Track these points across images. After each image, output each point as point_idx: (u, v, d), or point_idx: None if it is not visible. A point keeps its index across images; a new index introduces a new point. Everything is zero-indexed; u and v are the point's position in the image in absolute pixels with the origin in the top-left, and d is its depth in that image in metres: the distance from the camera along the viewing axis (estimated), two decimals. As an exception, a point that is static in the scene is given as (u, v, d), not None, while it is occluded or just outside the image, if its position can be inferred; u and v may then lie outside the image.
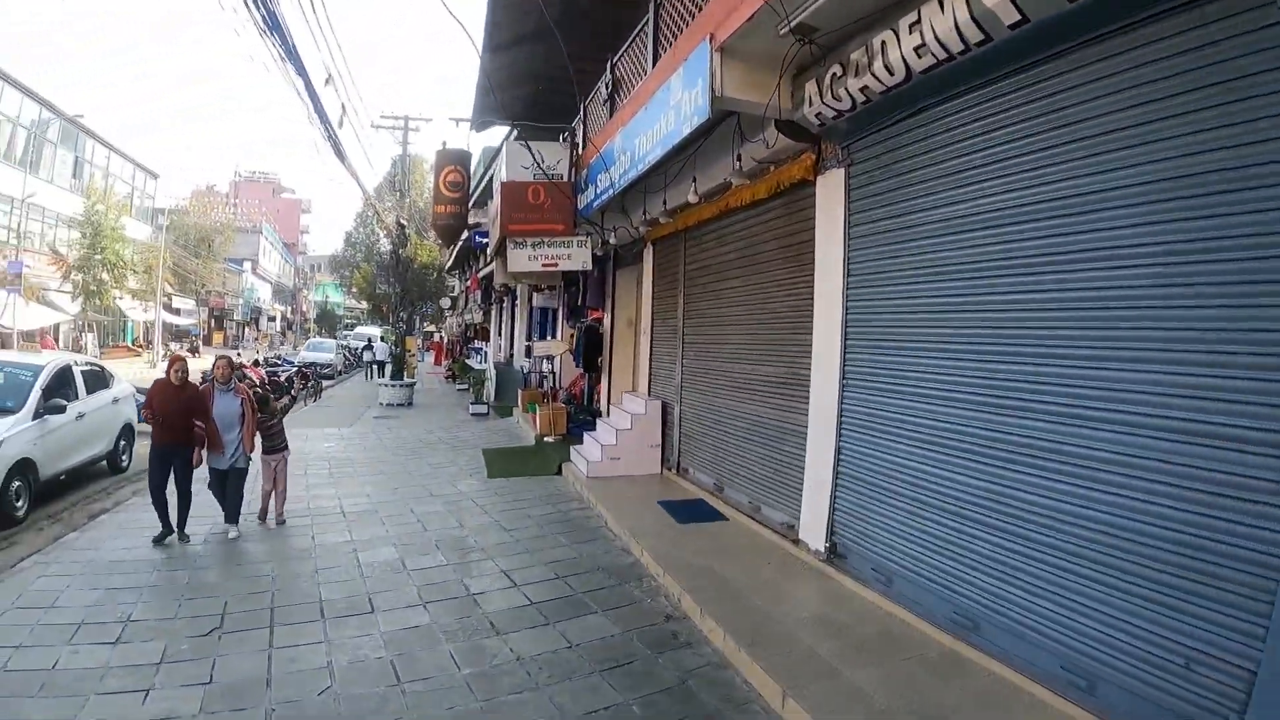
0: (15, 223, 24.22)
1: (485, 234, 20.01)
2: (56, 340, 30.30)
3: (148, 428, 6.67)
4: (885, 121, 5.20)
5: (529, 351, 16.76)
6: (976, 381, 4.40)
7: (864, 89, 4.79)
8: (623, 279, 11.95)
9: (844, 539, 5.63)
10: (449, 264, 30.77)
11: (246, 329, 56.36)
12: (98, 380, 9.83)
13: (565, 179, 9.84)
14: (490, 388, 17.47)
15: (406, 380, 18.36)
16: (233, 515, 6.89)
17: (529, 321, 20.12)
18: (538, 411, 11.94)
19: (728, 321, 7.81)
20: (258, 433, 7.02)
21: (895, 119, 5.09)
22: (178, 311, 42.88)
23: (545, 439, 11.34)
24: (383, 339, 27.56)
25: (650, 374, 9.87)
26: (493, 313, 24.15)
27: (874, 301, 5.40)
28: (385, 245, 48.30)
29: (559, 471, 9.70)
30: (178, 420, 6.45)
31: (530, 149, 9.69)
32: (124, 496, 8.56)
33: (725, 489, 7.77)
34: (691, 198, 6.81)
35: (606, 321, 12.08)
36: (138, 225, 34.87)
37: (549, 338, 15.86)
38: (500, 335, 22.49)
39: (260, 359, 21.76)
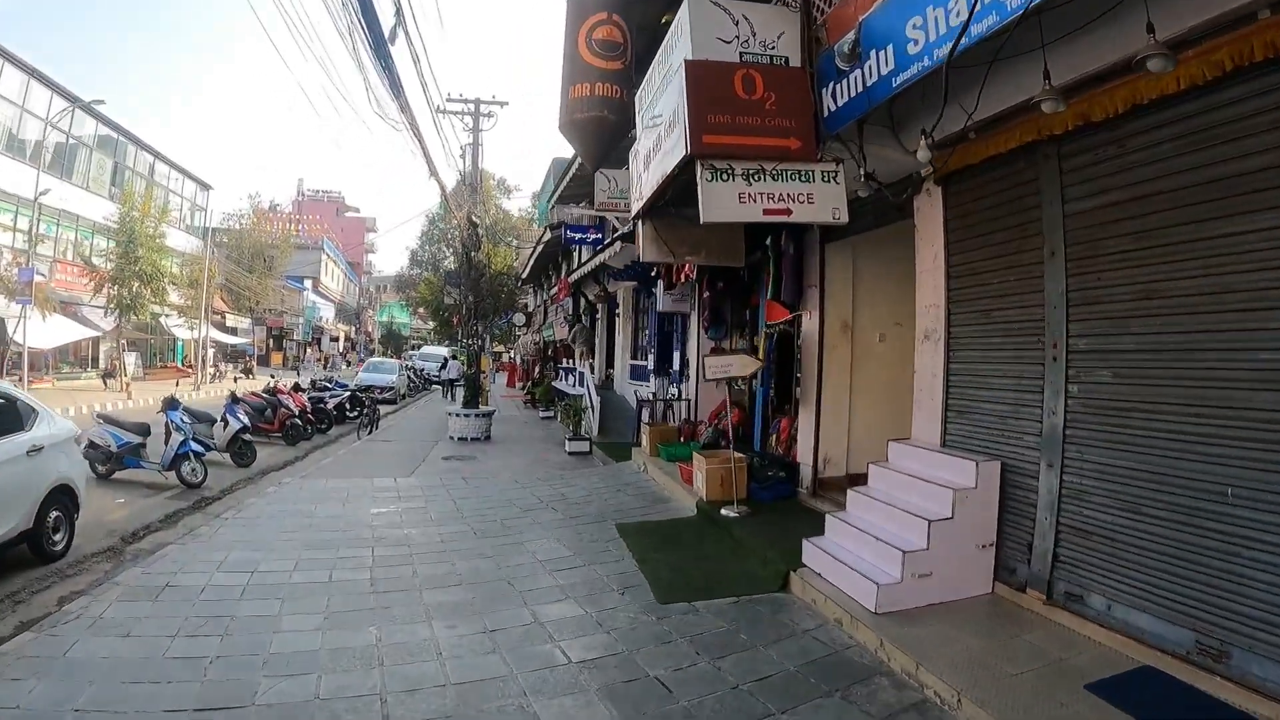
0: (29, 225, 21.16)
1: (581, 229, 16.12)
2: (95, 360, 27.48)
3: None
4: None
5: (666, 371, 12.52)
6: None
7: None
8: (836, 258, 7.61)
9: None
10: (525, 274, 27.03)
11: (308, 349, 53.84)
12: (5, 418, 5.97)
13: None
14: (592, 420, 13.28)
15: (483, 409, 14.30)
16: None
17: (634, 334, 15.96)
18: (704, 465, 7.57)
19: (1248, 301, 3.43)
20: None
21: None
22: (234, 330, 40.27)
23: (724, 512, 6.96)
24: (454, 357, 23.85)
25: (945, 410, 5.44)
26: (579, 326, 20.08)
27: None
28: (451, 263, 45.20)
29: (784, 586, 5.31)
30: None
31: (729, 10, 5.47)
32: (48, 605, 4.83)
33: (1233, 656, 3.34)
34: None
35: (808, 325, 7.73)
36: (184, 237, 32.11)
37: (681, 352, 11.60)
38: (594, 352, 18.38)
39: (302, 382, 18.09)
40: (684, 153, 5.03)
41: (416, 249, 54.68)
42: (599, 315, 18.24)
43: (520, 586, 5.38)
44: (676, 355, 11.68)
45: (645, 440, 10.32)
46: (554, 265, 26.70)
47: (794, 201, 5.18)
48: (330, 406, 15.44)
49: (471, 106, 20.23)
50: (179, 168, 34.27)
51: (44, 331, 20.23)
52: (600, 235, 16.03)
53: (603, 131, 7.56)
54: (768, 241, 7.69)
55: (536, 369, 25.38)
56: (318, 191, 76.10)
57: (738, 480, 7.28)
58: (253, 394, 13.97)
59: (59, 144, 25.06)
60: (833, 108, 5.17)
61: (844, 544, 5.16)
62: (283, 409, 13.12)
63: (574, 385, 15.53)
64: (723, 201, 5.01)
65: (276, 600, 5.00)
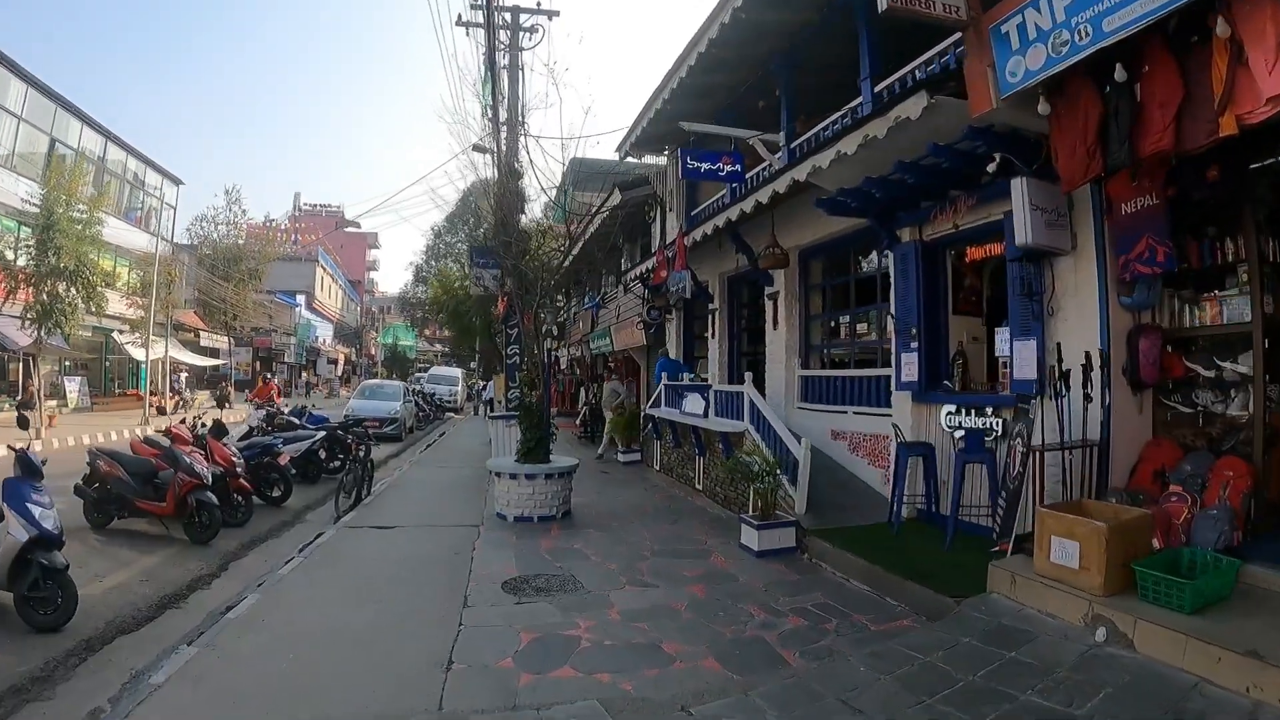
0: None
1: (710, 157, 9.98)
2: (25, 388, 21.14)
3: None
4: None
5: (942, 385, 6.14)
6: None
7: None
8: None
9: None
10: (571, 254, 20.25)
11: (304, 372, 47.51)
12: None
13: None
14: (790, 489, 6.85)
15: (558, 465, 7.89)
16: None
17: (803, 326, 9.54)
18: None
19: None
20: None
21: None
22: (214, 351, 33.99)
23: None
24: (498, 372, 17.60)
25: None
26: (671, 326, 13.66)
27: None
28: (457, 270, 38.89)
29: None
30: None
31: None
32: None
33: None
34: None
35: None
36: (145, 238, 25.74)
37: (1038, 342, 5.21)
38: (711, 363, 11.98)
39: (251, 417, 11.85)
40: None
41: (421, 264, 49.45)
42: (715, 309, 11.81)
43: None
44: (1029, 347, 5.28)
45: (1081, 552, 3.86)
46: (606, 254, 20.34)
47: None
48: (285, 460, 8.91)
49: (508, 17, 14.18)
50: (140, 155, 27.92)
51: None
52: (739, 167, 9.73)
53: None
54: None
55: (589, 390, 18.98)
56: (315, 205, 70.26)
57: None
58: (142, 443, 7.63)
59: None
60: None
61: None
62: (182, 474, 6.72)
63: (704, 414, 9.09)
64: None
65: None
